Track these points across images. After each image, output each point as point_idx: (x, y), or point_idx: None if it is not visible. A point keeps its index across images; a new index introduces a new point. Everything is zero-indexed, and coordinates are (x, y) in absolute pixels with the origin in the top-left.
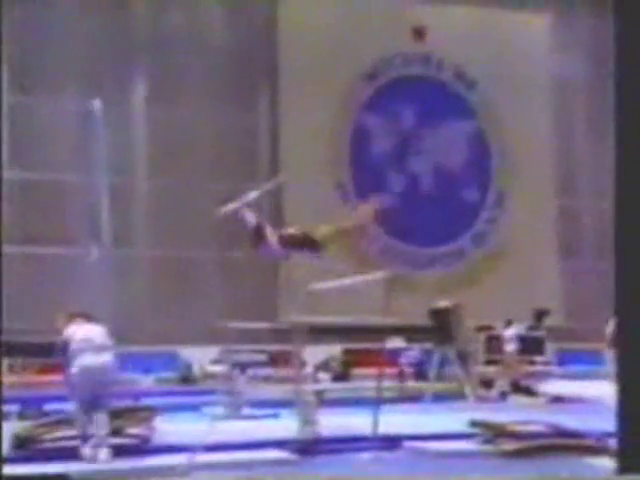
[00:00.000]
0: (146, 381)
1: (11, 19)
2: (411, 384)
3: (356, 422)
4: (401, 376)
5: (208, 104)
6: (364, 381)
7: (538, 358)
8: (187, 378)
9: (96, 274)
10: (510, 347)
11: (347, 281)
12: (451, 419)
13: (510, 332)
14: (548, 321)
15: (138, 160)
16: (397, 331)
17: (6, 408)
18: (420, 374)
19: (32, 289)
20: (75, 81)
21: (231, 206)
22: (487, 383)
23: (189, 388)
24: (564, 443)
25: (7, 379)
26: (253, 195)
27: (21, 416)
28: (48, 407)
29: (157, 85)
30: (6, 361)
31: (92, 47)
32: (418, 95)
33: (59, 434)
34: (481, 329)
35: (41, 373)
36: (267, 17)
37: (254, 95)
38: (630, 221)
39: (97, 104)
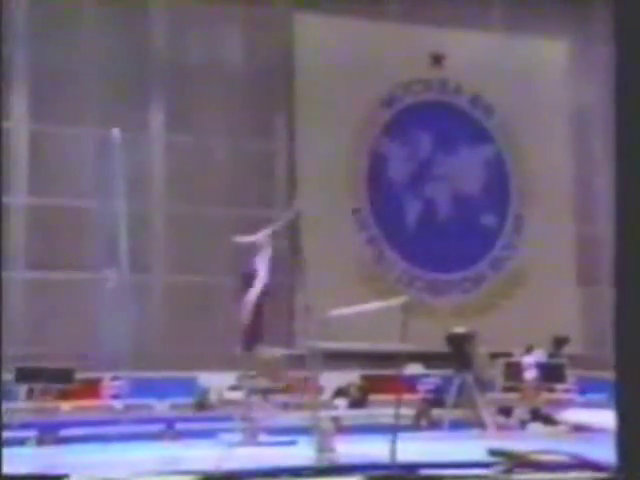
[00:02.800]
0: (162, 407)
1: (31, 49)
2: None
3: (373, 449)
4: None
5: (226, 131)
6: (382, 408)
7: (558, 386)
8: (204, 404)
9: (114, 300)
10: (530, 374)
11: (365, 308)
12: (469, 447)
13: (530, 359)
14: (567, 349)
15: (156, 187)
16: (415, 357)
17: (24, 434)
18: (438, 401)
19: (49, 314)
20: (94, 109)
21: (247, 238)
22: (506, 411)
23: (206, 414)
24: (586, 475)
25: (26, 405)
26: (272, 229)
27: (39, 442)
28: (65, 433)
29: (175, 113)
30: (25, 387)
31: (111, 75)
32: (436, 121)
33: None
34: (499, 356)
35: (59, 399)
36: (284, 44)
37: (271, 122)
38: (630, 247)
39: (116, 132)
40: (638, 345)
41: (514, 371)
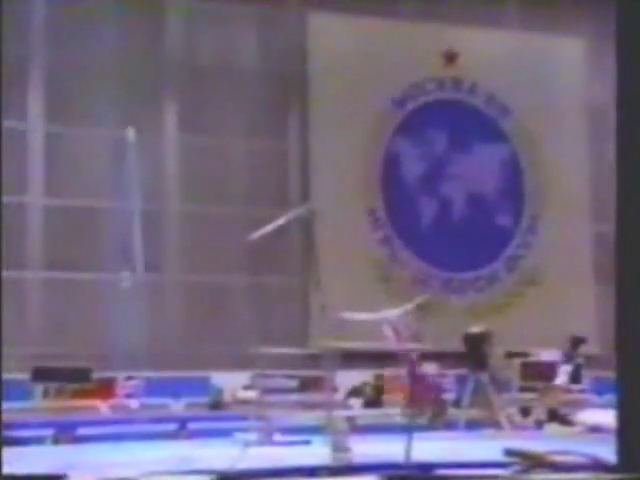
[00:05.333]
0: (177, 406)
1: (47, 50)
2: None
3: (388, 449)
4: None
5: (239, 131)
6: (396, 407)
7: (574, 386)
8: (218, 403)
9: (128, 299)
10: (561, 379)
11: (383, 315)
12: (485, 447)
13: (566, 367)
14: (584, 349)
15: (170, 187)
16: (430, 357)
17: (41, 433)
18: (453, 401)
19: (65, 314)
20: (109, 110)
21: (260, 232)
22: (523, 411)
23: (220, 413)
24: (602, 476)
25: (41, 404)
26: (282, 221)
27: (55, 440)
28: (82, 432)
29: (189, 113)
30: (41, 386)
31: (126, 76)
32: (450, 120)
33: None
34: (514, 355)
35: (75, 398)
36: (298, 43)
37: (285, 121)
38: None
39: (130, 132)
40: (638, 345)
41: (531, 371)
